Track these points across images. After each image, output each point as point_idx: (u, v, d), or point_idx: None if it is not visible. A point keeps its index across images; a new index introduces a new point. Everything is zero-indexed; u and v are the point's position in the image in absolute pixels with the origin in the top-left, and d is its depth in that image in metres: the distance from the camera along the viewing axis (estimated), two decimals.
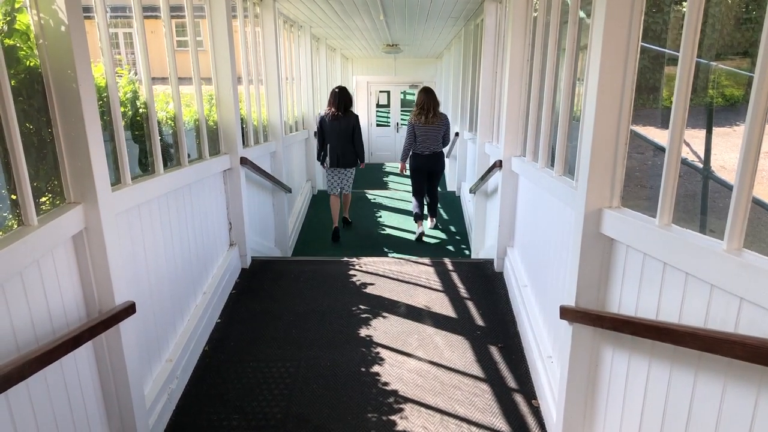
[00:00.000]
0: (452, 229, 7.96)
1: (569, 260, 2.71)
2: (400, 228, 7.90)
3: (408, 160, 7.36)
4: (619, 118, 2.33)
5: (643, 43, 2.27)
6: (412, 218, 7.65)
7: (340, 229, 7.52)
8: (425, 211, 7.67)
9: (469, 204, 7.65)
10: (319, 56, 10.47)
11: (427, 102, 6.93)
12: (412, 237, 7.48)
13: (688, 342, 1.80)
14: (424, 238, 7.38)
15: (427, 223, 7.81)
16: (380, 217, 8.44)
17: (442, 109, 7.59)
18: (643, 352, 2.20)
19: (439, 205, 8.19)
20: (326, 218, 7.91)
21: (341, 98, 6.89)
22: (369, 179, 12.05)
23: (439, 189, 8.15)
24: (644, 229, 2.14)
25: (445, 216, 8.53)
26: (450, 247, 7.25)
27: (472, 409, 3.28)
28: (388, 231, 7.77)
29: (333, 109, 6.88)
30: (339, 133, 6.89)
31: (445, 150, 7.51)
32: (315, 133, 8.07)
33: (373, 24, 8.41)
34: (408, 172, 7.71)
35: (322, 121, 7.01)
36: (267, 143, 6.16)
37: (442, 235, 7.67)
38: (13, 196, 2.08)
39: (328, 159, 7.02)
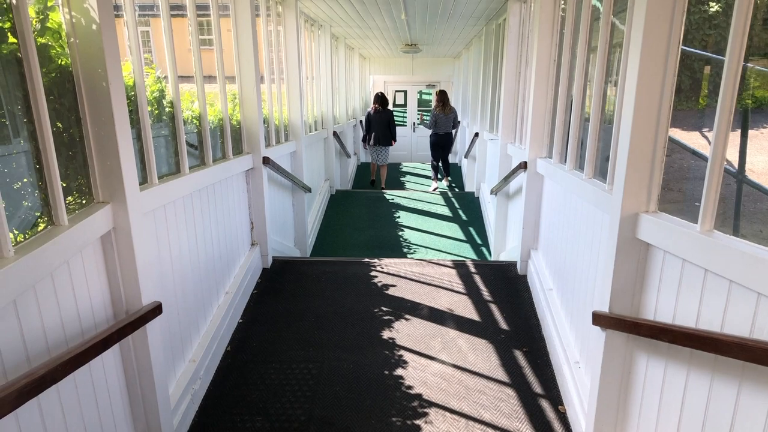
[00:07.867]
0: (471, 230, 7.91)
1: (602, 265, 2.65)
2: (420, 229, 7.86)
3: (429, 138, 11.31)
4: (657, 120, 2.26)
5: None
6: (431, 182, 11.47)
7: (376, 181, 11.57)
8: (440, 174, 11.52)
9: (488, 205, 7.60)
10: (338, 55, 10.47)
11: (443, 98, 10.99)
12: (433, 237, 7.52)
13: (736, 352, 1.73)
14: (438, 190, 10.80)
15: (443, 183, 11.51)
16: (399, 217, 8.41)
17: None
18: (680, 361, 2.14)
19: (453, 185, 11.74)
20: (345, 219, 8.53)
21: (381, 99, 10.86)
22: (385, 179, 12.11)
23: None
24: (684, 235, 2.08)
25: (464, 217, 8.52)
26: (469, 248, 7.19)
27: (498, 415, 3.22)
28: (407, 232, 7.74)
29: (376, 105, 10.81)
30: (379, 122, 10.79)
31: (453, 132, 11.45)
32: (361, 122, 13.06)
33: (394, 23, 8.37)
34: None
35: (368, 115, 11.01)
36: (288, 143, 6.14)
37: (461, 236, 7.64)
38: (43, 195, 2.07)
39: (372, 140, 10.90)
